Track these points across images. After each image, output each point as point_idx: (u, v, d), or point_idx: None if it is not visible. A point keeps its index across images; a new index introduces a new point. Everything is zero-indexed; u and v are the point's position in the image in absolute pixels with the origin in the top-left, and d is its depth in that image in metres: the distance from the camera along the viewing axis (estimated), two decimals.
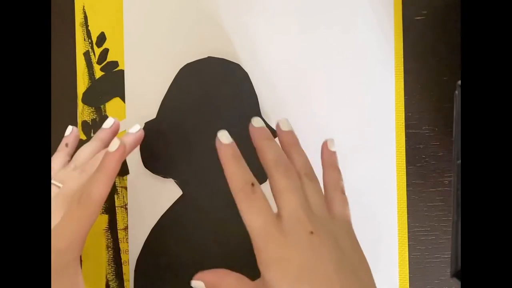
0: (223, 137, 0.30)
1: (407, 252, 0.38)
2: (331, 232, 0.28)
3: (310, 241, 0.26)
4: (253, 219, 0.27)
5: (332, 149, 0.33)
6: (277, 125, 0.33)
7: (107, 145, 0.37)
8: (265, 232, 0.27)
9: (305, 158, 0.32)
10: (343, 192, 0.32)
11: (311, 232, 0.27)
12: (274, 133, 0.33)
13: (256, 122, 0.32)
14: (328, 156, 0.33)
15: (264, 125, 0.32)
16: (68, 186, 0.32)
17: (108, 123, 0.37)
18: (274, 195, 0.29)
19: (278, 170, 0.29)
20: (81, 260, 0.39)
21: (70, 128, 0.38)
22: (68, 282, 0.30)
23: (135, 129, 0.36)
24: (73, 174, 0.33)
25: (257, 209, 0.27)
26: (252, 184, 0.28)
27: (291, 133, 0.33)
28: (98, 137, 0.37)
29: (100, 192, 0.30)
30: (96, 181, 0.30)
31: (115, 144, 0.31)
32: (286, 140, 0.32)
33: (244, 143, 0.38)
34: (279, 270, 0.26)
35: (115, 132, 0.38)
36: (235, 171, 0.29)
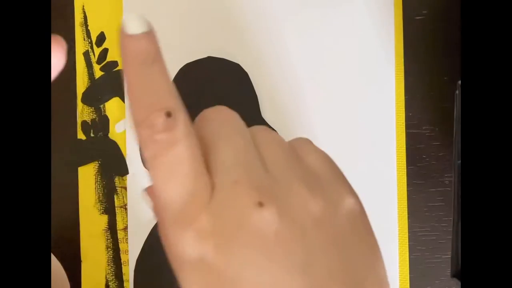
0: (131, 23, 0.17)
1: (407, 252, 0.38)
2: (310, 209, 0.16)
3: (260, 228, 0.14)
4: (165, 183, 0.15)
5: None
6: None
7: None
8: (182, 212, 0.15)
9: None
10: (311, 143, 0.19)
11: (260, 204, 0.15)
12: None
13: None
14: None
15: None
16: None
17: None
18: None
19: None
20: (80, 261, 0.39)
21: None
22: None
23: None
24: None
25: (172, 162, 0.15)
26: (169, 114, 0.16)
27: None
28: None
29: None
30: None
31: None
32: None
33: None
34: (197, 281, 0.15)
35: None
36: (143, 87, 0.16)
